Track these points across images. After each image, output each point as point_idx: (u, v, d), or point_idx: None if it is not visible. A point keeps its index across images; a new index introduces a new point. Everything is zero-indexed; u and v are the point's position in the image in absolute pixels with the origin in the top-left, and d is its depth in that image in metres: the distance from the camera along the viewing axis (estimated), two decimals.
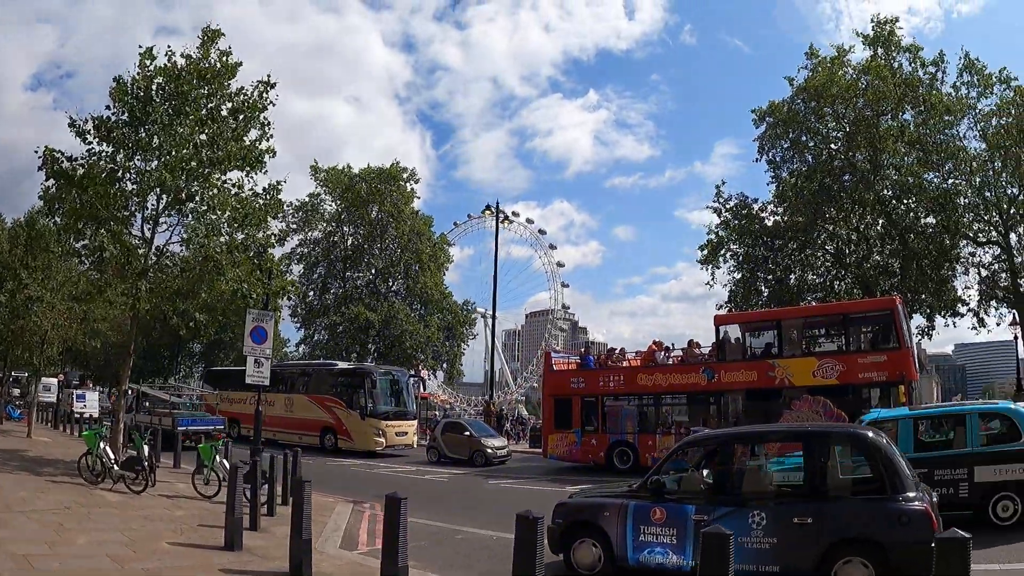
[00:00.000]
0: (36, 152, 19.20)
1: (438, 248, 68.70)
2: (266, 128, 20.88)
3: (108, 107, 19.43)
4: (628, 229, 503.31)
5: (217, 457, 16.82)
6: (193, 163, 19.29)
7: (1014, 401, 16.33)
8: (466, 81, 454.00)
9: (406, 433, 33.75)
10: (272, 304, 21.94)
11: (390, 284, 67.45)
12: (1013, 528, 12.63)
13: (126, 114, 19.31)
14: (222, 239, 19.76)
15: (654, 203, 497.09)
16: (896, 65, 41.73)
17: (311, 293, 67.10)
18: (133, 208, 19.75)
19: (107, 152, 19.28)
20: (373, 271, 66.59)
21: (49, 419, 40.65)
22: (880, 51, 42.01)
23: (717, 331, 26.02)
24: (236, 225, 20.10)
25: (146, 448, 19.03)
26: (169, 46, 20.16)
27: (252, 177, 20.63)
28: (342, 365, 37.75)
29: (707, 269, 46.62)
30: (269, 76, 20.77)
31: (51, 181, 19.20)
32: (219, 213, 19.80)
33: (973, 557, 5.92)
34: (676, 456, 10.90)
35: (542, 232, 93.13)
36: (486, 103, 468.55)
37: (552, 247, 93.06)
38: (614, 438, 26.20)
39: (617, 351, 28.62)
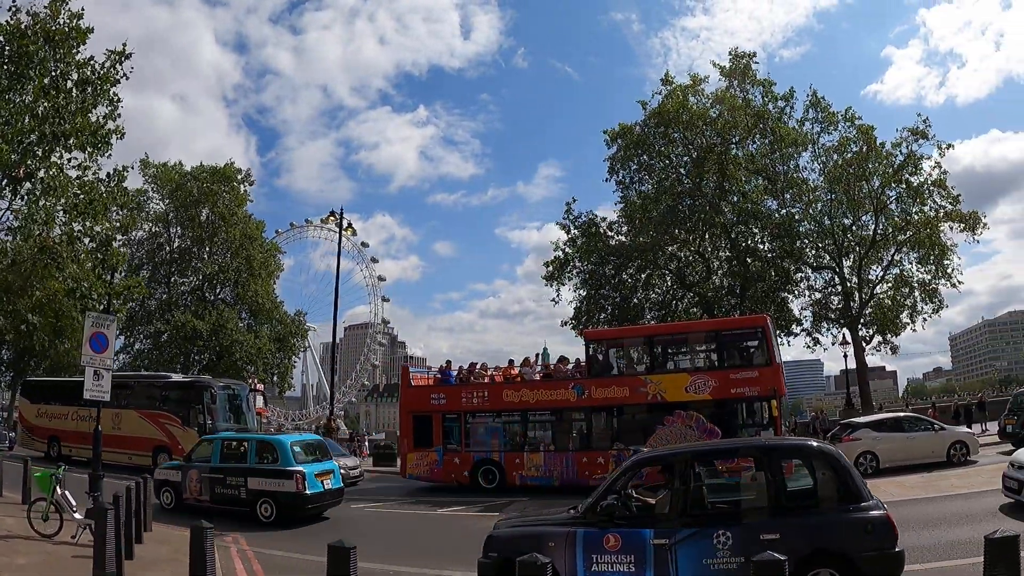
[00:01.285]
0: None
1: (270, 255, 65.20)
2: (116, 104, 18.25)
3: None
4: (448, 245, 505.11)
5: (58, 488, 14.03)
6: (33, 136, 16.43)
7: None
8: (296, 87, 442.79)
9: None
10: (114, 307, 19.06)
11: (218, 291, 63.14)
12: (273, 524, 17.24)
13: None
14: (60, 228, 16.97)
15: (475, 221, 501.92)
16: (749, 96, 44.01)
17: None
18: None
19: None
20: (200, 276, 62.00)
21: None
22: (735, 82, 43.93)
23: (587, 347, 25.75)
24: (76, 213, 17.33)
25: None
26: (14, 1, 17.17)
27: (96, 160, 17.92)
28: (176, 378, 34.06)
29: (552, 285, 47.51)
30: (125, 46, 18.16)
31: None
32: (58, 197, 17.01)
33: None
34: (624, 477, 9.84)
35: (364, 245, 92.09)
36: (314, 111, 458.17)
37: (374, 260, 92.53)
38: (479, 456, 24.97)
39: (479, 365, 27.24)
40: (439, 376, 27.15)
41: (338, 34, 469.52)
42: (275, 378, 62.38)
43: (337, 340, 42.22)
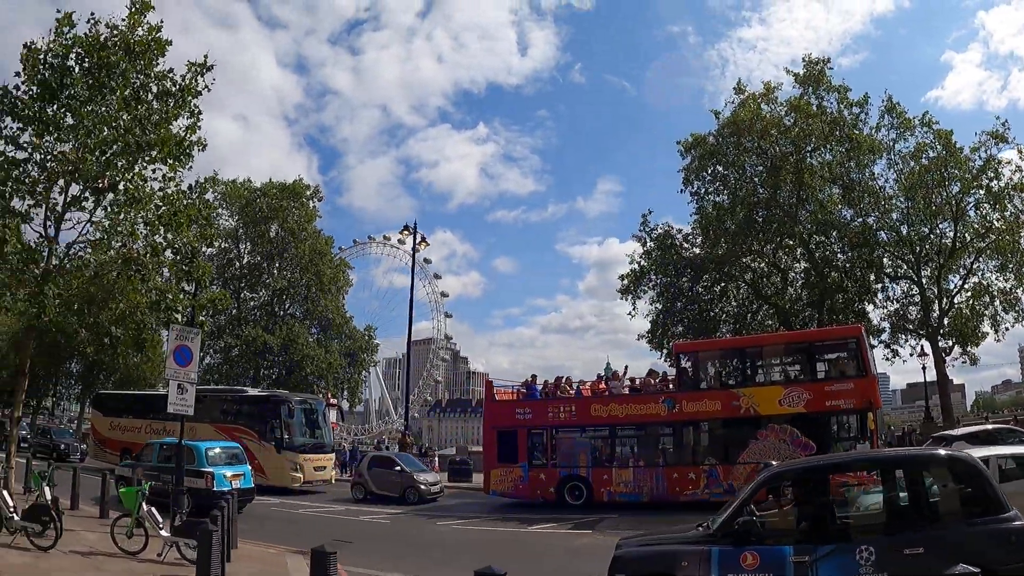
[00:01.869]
0: None
1: (339, 270, 65.27)
2: (197, 116, 18.03)
3: (17, 74, 16.28)
4: (509, 261, 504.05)
5: (143, 504, 13.67)
6: (115, 147, 16.22)
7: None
8: (355, 107, 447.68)
9: (324, 468, 30.61)
10: (198, 320, 18.80)
11: (287, 306, 63.44)
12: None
13: (36, 87, 16.22)
14: (143, 240, 16.75)
15: (535, 236, 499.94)
16: (824, 104, 42.49)
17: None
18: (38, 198, 16.49)
19: (13, 128, 16.15)
20: (270, 292, 62.34)
21: None
22: (809, 89, 42.65)
23: (677, 359, 25.41)
24: (160, 225, 17.11)
25: (47, 491, 15.85)
26: (93, 13, 17.07)
27: (178, 172, 17.72)
28: (252, 392, 34.09)
29: (627, 299, 46.41)
30: (206, 58, 17.97)
31: None
32: (140, 209, 16.80)
33: None
34: (757, 493, 9.27)
35: (427, 261, 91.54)
36: (374, 130, 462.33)
37: (437, 276, 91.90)
38: (565, 472, 24.42)
39: (564, 379, 26.56)
40: (524, 390, 26.61)
41: (396, 53, 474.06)
42: (345, 393, 62.35)
43: (401, 356, 41.95)
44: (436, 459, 47.99)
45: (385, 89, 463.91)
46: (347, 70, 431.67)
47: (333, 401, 44.27)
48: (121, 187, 16.45)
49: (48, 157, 16.32)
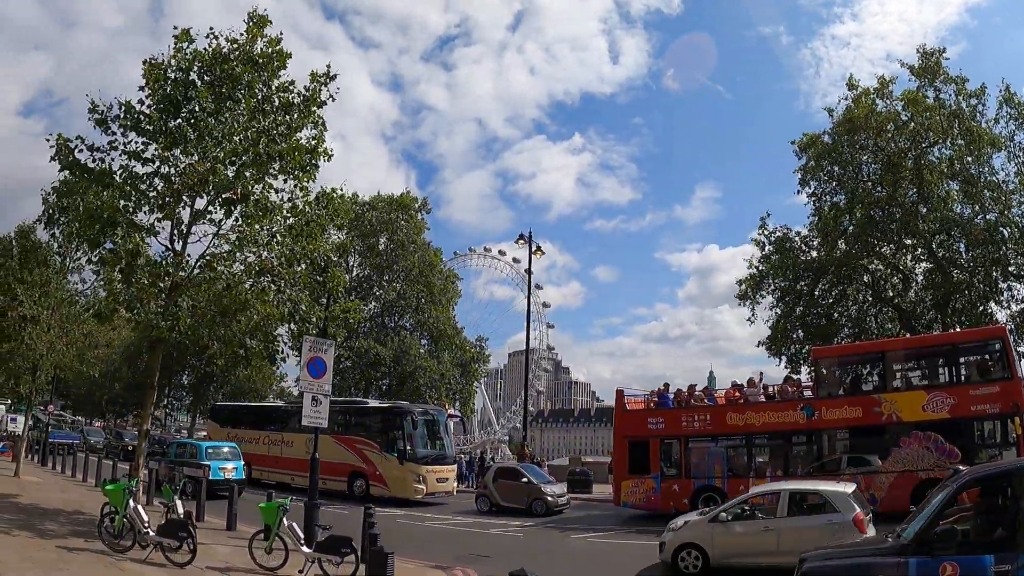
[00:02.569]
0: (47, 141, 16.21)
1: (448, 281, 65.45)
2: (322, 128, 17.81)
3: (141, 88, 16.30)
4: (608, 270, 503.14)
5: (284, 520, 13.32)
6: (245, 157, 16.07)
7: None
8: (451, 122, 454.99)
9: (447, 479, 30.28)
10: (331, 331, 18.57)
11: (397, 318, 63.79)
12: None
13: (161, 101, 16.24)
14: (277, 249, 16.58)
15: (634, 245, 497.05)
16: (942, 96, 40.26)
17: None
18: (168, 210, 16.45)
19: (138, 143, 16.16)
20: (380, 304, 62.77)
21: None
22: (925, 81, 40.45)
23: (816, 364, 24.13)
24: (293, 235, 16.91)
25: (179, 504, 15.69)
26: (212, 28, 17.03)
27: (305, 184, 17.53)
28: (374, 403, 34.12)
29: (745, 304, 44.48)
30: (329, 67, 17.74)
31: (64, 173, 16.11)
32: (272, 219, 16.64)
33: None
34: (952, 500, 8.68)
35: (528, 272, 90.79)
36: (470, 144, 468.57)
37: (538, 287, 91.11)
38: (699, 483, 23.59)
39: (698, 388, 25.68)
40: (655, 399, 25.80)
41: (488, 68, 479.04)
42: (457, 404, 62.22)
43: (503, 366, 41.50)
44: (546, 469, 47.32)
45: (479, 103, 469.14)
46: (441, 86, 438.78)
47: (453, 412, 44.00)
48: (252, 198, 16.29)
49: (174, 171, 16.26)
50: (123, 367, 67.60)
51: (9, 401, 57.32)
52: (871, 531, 13.60)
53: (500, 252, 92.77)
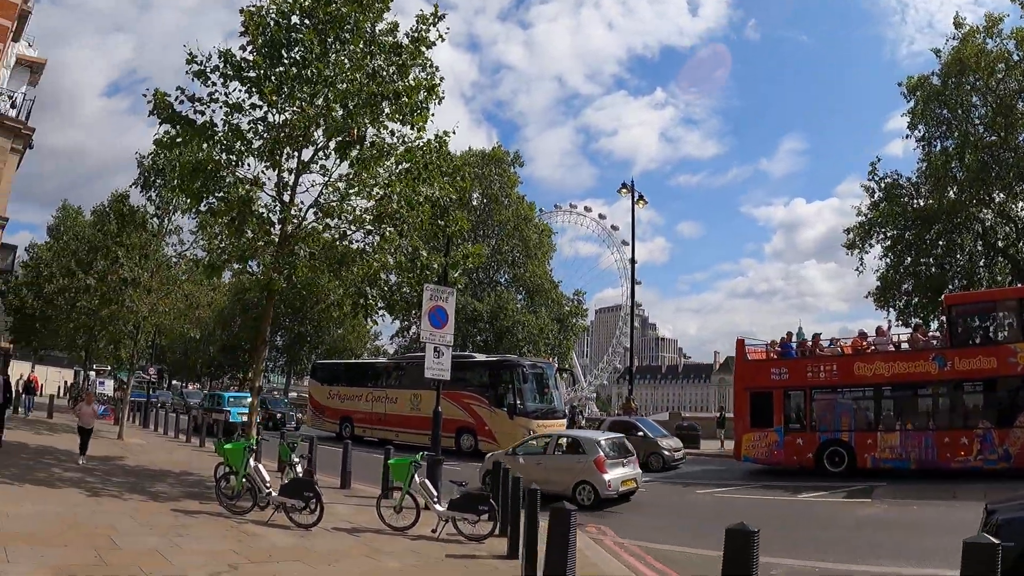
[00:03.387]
0: (144, 96, 15.68)
1: (544, 236, 64.61)
2: (432, 69, 16.83)
3: (242, 34, 15.62)
4: (693, 225, 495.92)
5: (415, 477, 12.60)
6: (359, 98, 15.25)
7: None
8: (530, 80, 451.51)
9: None
10: (452, 278, 17.81)
11: (493, 273, 63.30)
12: None
13: (260, 47, 15.55)
14: (397, 194, 15.79)
15: (719, 200, 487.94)
16: None
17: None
18: (275, 160, 15.79)
19: (241, 92, 15.53)
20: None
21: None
22: None
23: (949, 312, 22.46)
24: (411, 178, 16.08)
25: (298, 466, 15.15)
26: None
27: (419, 125, 16.61)
28: (482, 357, 33.53)
29: (854, 254, 42.44)
30: (436, 7, 16.72)
31: (163, 128, 15.60)
32: (388, 162, 15.85)
33: None
34: None
35: (615, 228, 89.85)
36: (550, 101, 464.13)
37: (624, 243, 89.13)
38: (825, 437, 22.35)
39: (822, 337, 24.33)
40: (778, 349, 24.46)
41: (566, 24, 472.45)
42: (555, 359, 61.55)
43: (590, 323, 40.36)
44: None
45: (558, 60, 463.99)
46: (519, 44, 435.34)
47: (566, 365, 43.24)
48: (368, 141, 15.52)
49: (281, 118, 15.55)
50: (216, 330, 68.64)
51: (108, 368, 58.99)
52: (616, 472, 16.81)
53: (586, 208, 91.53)
